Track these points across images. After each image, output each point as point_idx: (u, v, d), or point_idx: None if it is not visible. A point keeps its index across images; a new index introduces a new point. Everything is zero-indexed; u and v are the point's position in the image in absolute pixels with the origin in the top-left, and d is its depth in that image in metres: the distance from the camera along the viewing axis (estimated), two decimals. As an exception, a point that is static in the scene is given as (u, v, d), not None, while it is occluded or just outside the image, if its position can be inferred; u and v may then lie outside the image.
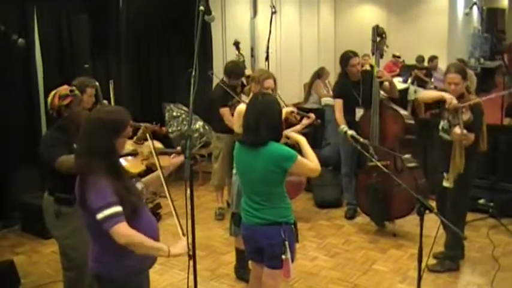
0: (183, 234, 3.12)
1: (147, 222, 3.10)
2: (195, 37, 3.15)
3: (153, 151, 3.43)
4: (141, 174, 3.91)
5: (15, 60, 6.57)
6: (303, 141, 3.87)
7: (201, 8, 3.25)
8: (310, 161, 3.71)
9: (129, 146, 4.57)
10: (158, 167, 3.35)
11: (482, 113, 4.86)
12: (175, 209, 3.19)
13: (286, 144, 3.77)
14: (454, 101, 4.79)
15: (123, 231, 2.83)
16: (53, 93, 4.07)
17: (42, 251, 5.91)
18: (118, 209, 2.85)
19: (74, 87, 4.16)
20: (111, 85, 6.27)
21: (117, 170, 3.04)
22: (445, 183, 5.05)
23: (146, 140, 3.72)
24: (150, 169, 3.84)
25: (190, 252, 3.14)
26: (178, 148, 3.65)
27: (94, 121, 3.03)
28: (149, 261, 3.18)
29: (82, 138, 3.06)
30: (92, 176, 2.89)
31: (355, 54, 6.33)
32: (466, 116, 4.75)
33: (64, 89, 4.08)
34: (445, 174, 5.04)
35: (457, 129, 4.70)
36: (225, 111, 6.39)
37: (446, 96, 4.85)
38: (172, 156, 3.60)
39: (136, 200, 3.03)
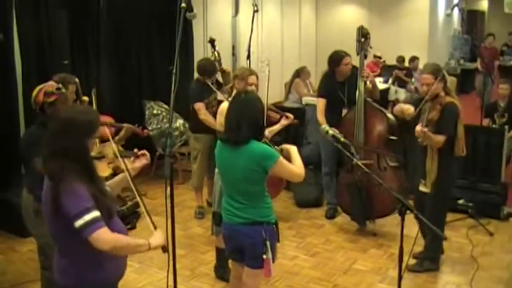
0: (155, 228, 3.03)
1: (119, 225, 3.02)
2: (176, 34, 3.12)
3: (117, 153, 3.30)
4: (106, 179, 3.83)
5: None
6: (293, 150, 3.86)
7: (183, 5, 3.22)
8: (295, 165, 3.71)
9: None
10: (125, 168, 3.21)
11: (457, 116, 4.81)
12: (144, 205, 3.12)
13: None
14: (410, 111, 4.95)
15: (106, 236, 2.70)
16: (38, 88, 3.98)
17: (19, 250, 5.84)
18: (97, 214, 2.72)
19: (60, 85, 4.09)
20: (93, 94, 6.20)
21: (91, 172, 2.90)
22: (422, 188, 5.05)
23: (108, 141, 3.60)
24: (114, 172, 3.77)
25: (165, 245, 3.05)
26: (135, 151, 3.51)
27: (65, 121, 2.88)
28: (119, 273, 3.07)
29: (51, 139, 2.86)
30: (66, 181, 2.73)
31: (348, 54, 6.29)
32: (431, 114, 4.78)
33: (50, 85, 4.01)
34: (421, 180, 5.05)
35: (418, 127, 4.71)
36: (199, 105, 6.35)
37: (404, 108, 5.03)
38: (132, 159, 3.45)
39: (111, 203, 2.93)
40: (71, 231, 2.71)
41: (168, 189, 3.24)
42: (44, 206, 2.89)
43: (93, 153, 3.23)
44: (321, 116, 6.33)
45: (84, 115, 2.94)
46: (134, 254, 3.16)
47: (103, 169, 4.22)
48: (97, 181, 2.93)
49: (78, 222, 2.67)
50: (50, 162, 2.82)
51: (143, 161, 3.45)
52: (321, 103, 6.42)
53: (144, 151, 3.50)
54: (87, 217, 2.67)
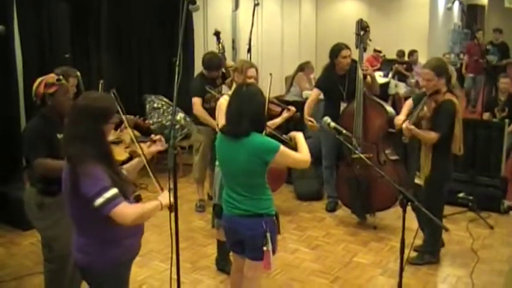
0: (162, 190, 3.19)
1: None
2: (179, 26, 3.12)
3: (133, 138, 3.42)
4: (123, 162, 3.88)
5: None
6: (299, 137, 3.87)
7: (186, -3, 3.22)
8: (301, 152, 3.72)
9: (111, 134, 4.55)
10: (141, 153, 3.36)
11: (453, 114, 4.77)
12: (151, 170, 3.27)
13: (271, 135, 3.76)
14: (398, 122, 4.99)
15: (127, 210, 2.85)
16: (38, 80, 4.00)
17: (20, 243, 5.84)
18: (116, 191, 2.85)
19: (61, 77, 4.10)
20: (101, 86, 6.20)
21: (108, 156, 3.03)
22: (417, 180, 5.06)
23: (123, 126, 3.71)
24: (130, 157, 3.84)
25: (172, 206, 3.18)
26: (152, 136, 3.64)
27: (82, 108, 3.01)
28: (134, 251, 3.21)
29: (70, 126, 3.03)
30: (84, 164, 2.85)
31: (347, 47, 6.28)
32: (422, 111, 4.77)
33: (51, 77, 4.03)
34: (416, 172, 5.06)
35: (404, 124, 4.70)
36: (196, 100, 6.37)
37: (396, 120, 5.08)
38: (148, 144, 3.59)
39: (126, 186, 3.05)
40: (88, 212, 2.85)
41: (171, 181, 3.25)
42: (64, 188, 3.02)
43: (111, 138, 3.32)
44: (307, 108, 6.35)
45: (101, 101, 3.06)
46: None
47: (120, 153, 4.29)
48: (113, 164, 3.07)
49: (99, 201, 2.80)
50: (69, 146, 2.96)
51: (158, 146, 3.59)
52: (313, 93, 6.46)
53: (160, 136, 3.63)
54: (107, 194, 2.81)
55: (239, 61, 5.42)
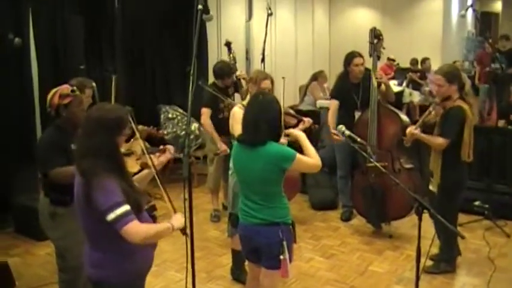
0: (175, 212, 3.13)
1: (147, 217, 3.12)
2: (193, 35, 3.14)
3: (144, 150, 3.41)
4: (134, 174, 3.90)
5: (10, 61, 6.52)
6: (302, 137, 3.86)
7: (200, 6, 3.24)
8: (310, 157, 3.70)
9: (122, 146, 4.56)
10: (151, 165, 3.33)
11: (462, 120, 4.74)
12: (166, 191, 3.19)
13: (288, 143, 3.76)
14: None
15: (137, 229, 2.82)
16: (53, 91, 4.03)
17: (36, 253, 5.87)
18: (128, 207, 2.82)
19: (75, 88, 4.13)
20: (114, 82, 6.23)
21: (121, 168, 3.01)
22: (431, 187, 5.05)
23: (133, 138, 3.72)
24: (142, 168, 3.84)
25: (185, 229, 3.16)
26: (161, 146, 3.64)
27: (95, 120, 2.98)
28: (148, 264, 3.19)
29: (83, 138, 2.98)
30: (98, 177, 2.83)
31: (360, 55, 6.29)
32: (428, 116, 4.76)
33: (65, 88, 4.05)
34: (430, 178, 5.04)
35: (410, 128, 4.70)
36: (204, 110, 6.39)
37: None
38: (157, 155, 3.57)
39: (140, 198, 3.03)
40: (102, 225, 2.82)
41: (186, 190, 3.25)
42: (77, 202, 2.99)
43: (122, 150, 3.32)
44: (331, 117, 6.35)
45: (114, 112, 3.03)
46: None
47: (132, 165, 4.29)
48: (127, 177, 3.05)
49: (110, 216, 2.78)
50: (82, 160, 2.92)
51: (168, 155, 3.57)
52: (333, 104, 6.45)
53: (168, 146, 3.64)
54: (118, 211, 2.78)
55: (254, 71, 5.42)
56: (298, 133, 3.92)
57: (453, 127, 4.74)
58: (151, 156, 3.46)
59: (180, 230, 3.10)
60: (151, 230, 2.93)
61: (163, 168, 3.71)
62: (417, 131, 4.72)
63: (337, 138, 5.96)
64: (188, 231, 3.13)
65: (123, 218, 2.79)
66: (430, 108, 4.83)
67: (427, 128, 4.94)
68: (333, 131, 5.99)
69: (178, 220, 3.08)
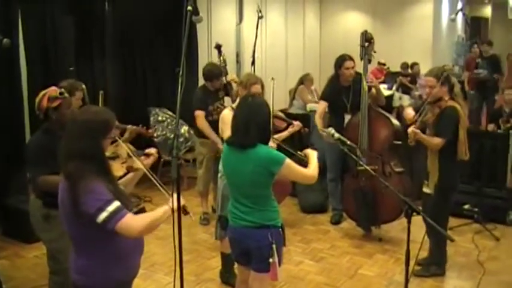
0: (169, 195, 3.10)
1: None
2: (182, 37, 3.12)
3: (130, 152, 3.40)
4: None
5: (-1, 61, 6.49)
6: (312, 155, 3.88)
7: (189, 8, 3.22)
8: (309, 169, 3.72)
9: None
10: (141, 164, 3.34)
11: (457, 120, 4.80)
12: (156, 179, 3.22)
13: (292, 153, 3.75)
14: (410, 116, 5.05)
15: (133, 222, 2.80)
16: (41, 94, 4.00)
17: (25, 256, 5.82)
18: (119, 203, 2.79)
19: (63, 90, 4.10)
20: (101, 97, 6.21)
21: (107, 171, 2.97)
22: (425, 189, 5.07)
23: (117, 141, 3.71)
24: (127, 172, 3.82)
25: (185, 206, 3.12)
26: (146, 150, 3.63)
27: (81, 123, 2.94)
28: (134, 271, 3.15)
29: (69, 141, 2.93)
30: (84, 180, 2.78)
31: (351, 58, 6.29)
32: (426, 116, 4.80)
33: (54, 90, 4.02)
34: (425, 181, 5.05)
35: (411, 128, 4.74)
36: (199, 114, 6.36)
37: (405, 113, 5.15)
38: (143, 158, 3.55)
39: (126, 202, 2.97)
40: (88, 231, 2.81)
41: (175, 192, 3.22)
42: (62, 207, 2.94)
43: (107, 153, 3.29)
44: (318, 118, 6.36)
45: (99, 115, 3.00)
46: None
47: (118, 168, 4.27)
48: (113, 180, 3.01)
49: (102, 215, 2.74)
50: (67, 163, 2.88)
51: (152, 158, 3.57)
52: (320, 106, 6.47)
53: (152, 149, 3.63)
54: (110, 208, 2.75)
55: (244, 75, 5.40)
56: (312, 152, 3.90)
57: (449, 127, 4.80)
58: (139, 158, 3.46)
59: (183, 210, 3.07)
60: (146, 219, 2.89)
61: (155, 170, 3.70)
62: (418, 131, 4.76)
63: (325, 136, 5.96)
64: (176, 232, 3.08)
65: (116, 215, 2.75)
66: (426, 107, 4.87)
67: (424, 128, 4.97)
68: (321, 128, 5.99)
69: (175, 202, 3.05)
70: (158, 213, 2.97)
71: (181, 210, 3.07)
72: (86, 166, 2.83)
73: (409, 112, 5.16)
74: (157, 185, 3.19)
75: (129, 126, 5.53)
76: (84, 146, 2.87)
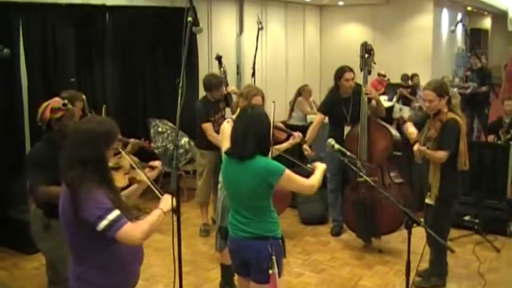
0: (161, 194, 3.14)
1: None
2: (182, 47, 3.13)
3: (133, 164, 3.40)
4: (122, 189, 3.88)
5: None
6: (319, 167, 3.86)
7: (190, 18, 3.23)
8: (310, 180, 3.71)
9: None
10: (144, 176, 3.34)
11: (458, 132, 4.84)
12: (150, 180, 3.27)
13: (278, 157, 3.74)
14: (413, 136, 5.07)
15: (133, 230, 2.82)
16: (44, 105, 4.02)
17: (24, 267, 5.80)
18: (119, 212, 2.81)
19: (66, 101, 4.11)
20: (104, 110, 6.24)
21: (108, 181, 2.98)
22: (427, 200, 5.06)
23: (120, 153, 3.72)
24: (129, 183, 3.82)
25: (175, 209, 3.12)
26: (151, 163, 3.65)
27: (85, 131, 2.96)
28: (134, 279, 3.15)
29: (71, 150, 2.95)
30: (85, 188, 2.80)
31: (351, 70, 6.29)
32: (430, 132, 4.80)
33: (57, 101, 4.03)
34: (427, 192, 5.05)
35: (416, 146, 4.74)
36: (207, 126, 6.36)
37: (408, 132, 5.11)
38: (147, 171, 3.56)
39: (126, 213, 2.97)
40: (88, 239, 2.82)
41: (174, 202, 3.22)
42: (63, 216, 2.95)
43: (110, 164, 3.30)
44: (311, 130, 6.36)
45: (103, 125, 3.01)
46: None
47: (120, 180, 4.27)
48: (114, 190, 3.01)
49: (103, 223, 2.75)
50: (69, 171, 2.89)
51: (156, 171, 3.60)
52: (317, 117, 6.48)
53: (157, 161, 3.67)
54: (111, 216, 2.77)
55: (245, 86, 5.40)
56: (321, 164, 3.89)
57: (451, 139, 4.82)
58: (142, 170, 3.46)
59: (172, 211, 3.09)
60: (144, 225, 2.90)
61: (155, 181, 3.69)
62: (424, 147, 4.77)
63: (308, 154, 5.93)
64: (176, 242, 3.08)
65: (116, 223, 2.77)
66: (428, 122, 4.89)
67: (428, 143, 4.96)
68: (305, 146, 5.94)
69: (166, 202, 3.08)
70: (154, 217, 2.99)
71: (173, 211, 3.10)
72: (87, 174, 2.84)
73: (412, 131, 5.14)
74: (157, 192, 3.21)
75: (131, 140, 5.54)
76: (86, 155, 2.89)
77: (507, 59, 11.74)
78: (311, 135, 6.32)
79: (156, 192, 3.20)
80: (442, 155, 4.82)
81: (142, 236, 2.85)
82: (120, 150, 3.51)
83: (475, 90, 10.75)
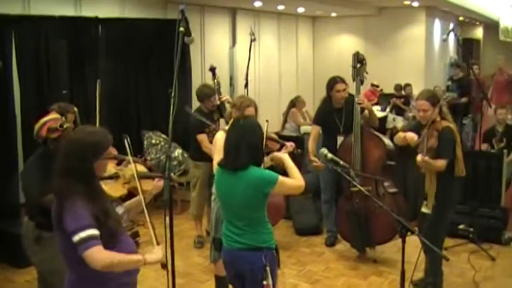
0: (157, 243, 3.09)
1: (125, 247, 3.01)
2: (175, 57, 3.13)
3: (135, 175, 3.37)
4: (124, 198, 3.84)
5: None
6: (285, 158, 3.86)
7: (181, 29, 3.24)
8: (294, 178, 3.69)
9: (111, 168, 4.51)
10: (139, 191, 3.29)
11: (453, 139, 4.85)
12: (150, 220, 3.18)
13: (271, 167, 3.73)
14: (414, 139, 4.97)
15: (97, 255, 2.73)
16: (42, 121, 4.00)
17: (16, 281, 5.75)
18: (94, 232, 2.76)
19: (63, 120, 4.10)
20: (98, 86, 6.21)
21: (95, 193, 2.95)
22: (423, 209, 5.04)
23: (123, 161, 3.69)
24: (132, 193, 3.80)
25: (165, 261, 3.10)
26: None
27: (74, 142, 2.96)
28: None
29: (61, 158, 2.95)
30: (69, 199, 2.80)
31: (343, 80, 6.28)
32: (430, 142, 4.80)
33: (54, 121, 4.02)
34: (424, 201, 5.04)
35: (419, 156, 4.74)
36: (202, 137, 6.35)
37: (408, 137, 5.02)
38: (156, 180, 3.55)
39: (115, 225, 2.95)
40: (72, 246, 2.77)
41: (167, 216, 3.21)
42: (53, 220, 2.95)
43: (108, 173, 3.27)
44: (311, 143, 6.34)
45: (91, 136, 3.00)
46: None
47: (116, 189, 4.25)
48: (101, 202, 2.96)
49: (75, 238, 2.74)
50: (57, 180, 2.90)
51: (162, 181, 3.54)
52: (313, 130, 6.45)
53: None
54: (83, 234, 2.73)
55: (237, 97, 5.40)
56: (282, 155, 3.90)
57: (449, 148, 4.82)
58: (147, 181, 3.43)
59: (160, 264, 3.07)
60: (115, 259, 2.80)
61: (158, 195, 3.66)
62: (426, 158, 4.75)
63: (316, 165, 5.94)
64: (169, 254, 3.05)
65: (85, 242, 2.73)
66: (424, 132, 4.88)
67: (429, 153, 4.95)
68: (313, 158, 5.96)
69: (154, 254, 3.03)
70: (131, 258, 2.94)
71: (161, 265, 3.10)
72: (73, 186, 2.84)
73: (412, 136, 5.10)
74: (150, 226, 3.17)
75: (127, 158, 5.51)
76: (74, 166, 2.89)
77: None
78: (313, 147, 6.31)
79: (152, 235, 3.15)
80: (441, 163, 4.81)
81: (104, 265, 2.75)
82: (130, 158, 3.48)
83: (454, 101, 10.66)
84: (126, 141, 3.17)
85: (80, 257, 2.75)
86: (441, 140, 4.83)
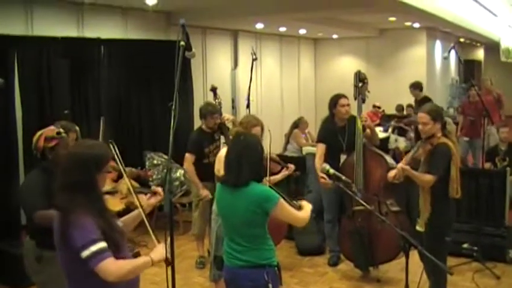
0: (158, 242, 3.09)
1: (127, 257, 3.02)
2: (175, 71, 3.12)
3: (131, 189, 3.36)
4: (119, 214, 3.82)
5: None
6: (308, 207, 3.79)
7: (182, 43, 3.24)
8: (302, 211, 3.68)
9: (107, 184, 4.49)
10: (138, 203, 3.28)
11: (449, 157, 4.74)
12: (149, 222, 3.18)
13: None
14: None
15: (111, 267, 2.75)
16: (38, 133, 4.01)
17: (16, 302, 5.72)
18: (104, 244, 2.77)
19: (60, 129, 4.10)
20: (102, 123, 6.23)
21: (99, 206, 2.95)
22: (417, 227, 4.99)
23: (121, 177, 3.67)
24: (128, 208, 3.78)
25: (169, 258, 3.09)
26: (153, 188, 3.59)
27: (75, 156, 2.96)
28: None
29: (62, 173, 2.94)
30: (74, 213, 2.79)
31: (345, 96, 6.29)
32: (417, 153, 4.77)
33: (50, 130, 4.03)
34: (417, 219, 4.99)
35: (400, 164, 4.72)
36: (187, 157, 6.38)
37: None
38: (147, 196, 3.51)
39: (119, 237, 2.95)
40: (77, 264, 2.77)
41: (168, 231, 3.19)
42: (55, 237, 2.93)
43: (106, 188, 3.26)
44: (318, 160, 6.32)
45: (92, 149, 3.01)
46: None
47: (115, 204, 4.24)
48: (105, 215, 2.97)
49: (85, 253, 2.73)
50: (60, 195, 2.88)
51: (158, 197, 3.50)
52: (319, 148, 6.42)
53: (159, 188, 3.56)
54: (93, 248, 2.73)
55: (244, 116, 5.42)
56: (308, 204, 3.84)
57: (440, 164, 4.73)
58: (140, 196, 3.42)
59: (164, 261, 3.05)
60: (127, 266, 2.85)
61: (150, 214, 3.64)
62: (407, 167, 4.70)
63: (324, 182, 5.90)
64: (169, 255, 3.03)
65: (98, 255, 2.73)
66: (418, 143, 4.85)
67: (416, 165, 4.91)
68: (321, 174, 5.95)
69: (158, 252, 3.03)
70: (139, 261, 2.97)
71: (167, 262, 3.08)
72: (77, 199, 2.83)
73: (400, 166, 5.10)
74: (148, 227, 3.16)
75: (128, 169, 5.51)
76: (77, 179, 2.88)
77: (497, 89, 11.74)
78: (319, 165, 6.27)
79: (151, 233, 3.15)
80: (429, 178, 4.73)
81: (119, 274, 2.78)
82: (123, 172, 3.47)
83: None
84: (112, 147, 3.15)
85: (88, 272, 2.75)
86: (434, 154, 4.78)
